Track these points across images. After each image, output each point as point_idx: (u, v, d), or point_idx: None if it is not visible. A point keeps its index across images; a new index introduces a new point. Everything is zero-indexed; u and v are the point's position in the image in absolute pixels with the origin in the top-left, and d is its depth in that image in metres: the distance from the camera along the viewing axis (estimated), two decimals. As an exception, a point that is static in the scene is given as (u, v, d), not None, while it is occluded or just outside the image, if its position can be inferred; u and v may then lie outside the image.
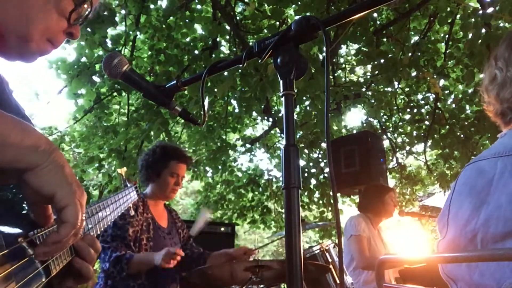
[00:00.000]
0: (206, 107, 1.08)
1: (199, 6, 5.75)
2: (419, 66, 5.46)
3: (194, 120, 1.08)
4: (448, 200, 1.15)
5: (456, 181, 1.15)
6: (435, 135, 6.89)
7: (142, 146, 5.60)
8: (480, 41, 4.53)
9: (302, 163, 7.49)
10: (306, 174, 7.60)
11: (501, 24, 4.89)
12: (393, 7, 5.24)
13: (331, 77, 6.16)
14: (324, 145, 7.22)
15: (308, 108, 5.87)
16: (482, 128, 6.02)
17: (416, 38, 6.09)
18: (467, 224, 1.05)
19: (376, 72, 5.60)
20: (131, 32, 5.49)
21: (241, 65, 0.98)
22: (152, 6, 5.54)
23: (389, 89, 6.64)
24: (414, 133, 7.50)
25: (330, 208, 7.95)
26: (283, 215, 0.83)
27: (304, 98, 5.58)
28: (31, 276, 0.63)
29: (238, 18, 5.89)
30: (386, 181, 4.80)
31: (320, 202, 8.16)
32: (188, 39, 5.89)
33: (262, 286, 2.53)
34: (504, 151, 1.05)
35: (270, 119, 7.28)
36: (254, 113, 7.61)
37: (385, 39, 5.62)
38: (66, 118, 10.55)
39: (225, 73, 4.57)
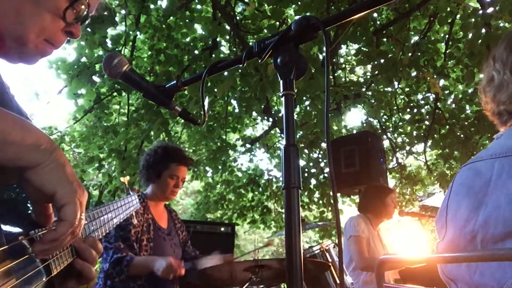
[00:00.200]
0: (206, 107, 1.08)
1: (199, 6, 5.75)
2: (419, 66, 5.46)
3: (194, 120, 1.07)
4: (446, 201, 1.15)
5: (453, 182, 1.15)
6: (435, 135, 6.89)
7: (142, 146, 5.60)
8: (480, 41, 4.53)
9: (302, 163, 7.49)
10: (306, 174, 7.60)
11: (501, 24, 4.89)
12: (393, 7, 5.24)
13: (331, 77, 6.16)
14: (324, 145, 7.22)
15: (308, 108, 5.87)
16: (482, 128, 6.02)
17: (416, 38, 6.09)
18: (466, 225, 1.05)
19: (376, 72, 5.60)
20: (131, 32, 5.49)
21: (241, 65, 0.98)
22: (152, 6, 5.54)
23: (389, 89, 6.64)
24: (414, 133, 7.50)
25: (330, 208, 7.95)
26: (283, 215, 0.83)
27: (304, 98, 5.58)
28: (32, 273, 0.63)
29: (238, 18, 5.89)
30: (386, 181, 4.80)
31: (320, 202, 8.15)
32: (188, 39, 5.89)
33: (262, 286, 2.53)
34: (501, 152, 1.05)
35: (270, 119, 7.28)
36: (254, 113, 7.61)
37: (385, 39, 5.62)
38: (66, 118, 10.56)
39: (225, 73, 4.57)
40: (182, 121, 5.69)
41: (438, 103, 6.69)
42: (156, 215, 2.46)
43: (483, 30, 4.65)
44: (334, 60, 6.30)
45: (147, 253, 2.27)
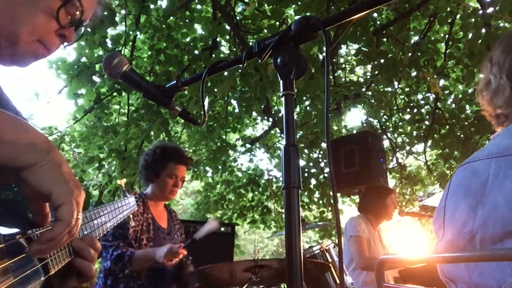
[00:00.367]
0: (206, 107, 1.08)
1: (199, 6, 5.75)
2: (419, 66, 5.46)
3: (194, 120, 1.08)
4: (443, 201, 1.15)
5: (450, 182, 1.15)
6: (435, 135, 6.90)
7: (142, 146, 5.60)
8: (480, 41, 4.54)
9: (302, 163, 7.49)
10: (306, 174, 7.60)
11: (501, 24, 4.89)
12: (393, 7, 5.24)
13: (331, 77, 6.16)
14: (324, 145, 7.22)
15: (308, 108, 5.87)
16: (482, 128, 6.03)
17: (416, 38, 6.09)
18: (465, 225, 1.05)
19: (376, 72, 5.60)
20: (131, 32, 5.49)
21: (241, 65, 0.98)
22: (152, 6, 5.54)
23: (389, 89, 6.64)
24: (414, 133, 7.50)
25: (330, 208, 7.95)
26: (283, 215, 0.83)
27: (304, 98, 5.58)
28: (29, 272, 0.63)
29: (238, 18, 5.89)
30: (386, 181, 4.80)
31: (320, 202, 8.15)
32: (188, 39, 5.89)
33: (262, 286, 2.53)
34: (497, 152, 1.05)
35: (270, 119, 7.28)
36: (254, 113, 7.61)
37: (385, 39, 5.62)
38: (66, 118, 10.56)
39: (225, 73, 4.57)
40: (182, 121, 5.69)
41: (438, 103, 6.69)
42: (156, 215, 2.46)
43: (483, 30, 4.65)
44: (334, 60, 6.30)
45: None
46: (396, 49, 5.33)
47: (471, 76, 4.92)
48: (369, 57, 5.14)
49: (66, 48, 5.49)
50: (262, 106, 6.31)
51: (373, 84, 6.77)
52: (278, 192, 8.32)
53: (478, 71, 4.90)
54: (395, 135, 8.30)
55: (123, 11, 5.45)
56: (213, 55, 5.58)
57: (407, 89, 7.26)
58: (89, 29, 4.84)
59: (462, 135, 6.54)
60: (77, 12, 0.83)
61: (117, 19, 5.19)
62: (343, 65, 7.70)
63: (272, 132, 8.26)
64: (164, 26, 5.52)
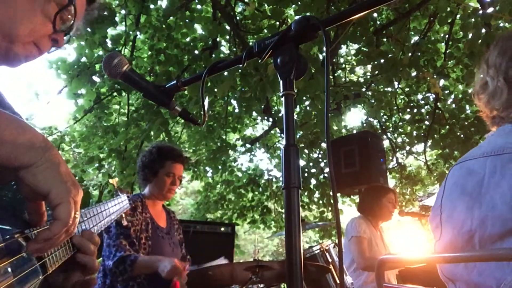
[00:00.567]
0: (206, 107, 1.08)
1: (199, 6, 5.75)
2: (419, 66, 5.45)
3: (194, 120, 1.08)
4: (439, 200, 1.15)
5: (445, 180, 1.16)
6: (435, 135, 6.90)
7: (142, 146, 5.60)
8: (480, 41, 4.54)
9: (302, 163, 7.49)
10: (306, 174, 7.60)
11: (501, 24, 4.89)
12: (393, 7, 5.24)
13: (331, 77, 6.16)
14: (324, 145, 7.22)
15: (308, 108, 5.87)
16: (482, 128, 6.02)
17: (416, 38, 6.09)
18: (463, 225, 1.05)
19: (376, 72, 5.60)
20: (131, 32, 5.49)
21: (241, 65, 0.98)
22: (152, 6, 5.54)
23: (389, 89, 6.64)
24: (414, 133, 7.50)
25: (330, 208, 7.95)
26: (283, 215, 0.83)
27: (304, 98, 5.57)
28: (28, 272, 0.64)
29: (238, 18, 5.89)
30: (386, 181, 4.80)
31: (320, 202, 8.15)
32: (188, 39, 5.89)
33: (262, 286, 2.53)
34: (492, 150, 1.05)
35: (270, 119, 7.28)
36: (254, 113, 7.61)
37: (385, 39, 5.62)
38: (66, 118, 10.54)
39: (225, 73, 4.56)
40: (182, 121, 5.69)
41: (438, 103, 6.69)
42: (155, 215, 2.48)
43: (483, 30, 4.65)
44: (334, 60, 6.30)
45: (146, 251, 2.29)
46: (396, 49, 5.33)
47: (471, 76, 4.92)
48: (369, 57, 5.14)
49: (66, 48, 5.50)
50: (262, 106, 6.31)
51: (373, 84, 6.77)
52: (278, 192, 8.32)
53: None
54: (395, 135, 8.30)
55: (123, 11, 5.45)
56: (213, 55, 5.58)
57: (407, 89, 7.26)
58: (89, 29, 4.84)
59: (462, 135, 6.54)
60: (70, 16, 0.84)
61: (117, 19, 5.19)
62: (343, 65, 7.70)
63: (272, 132, 8.26)
64: (164, 26, 5.52)
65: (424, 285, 2.18)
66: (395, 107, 7.37)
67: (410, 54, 5.28)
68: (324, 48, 0.98)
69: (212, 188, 9.04)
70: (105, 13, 4.75)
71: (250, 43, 4.20)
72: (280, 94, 0.89)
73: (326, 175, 7.49)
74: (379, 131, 7.71)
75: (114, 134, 5.95)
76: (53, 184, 0.63)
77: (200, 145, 7.83)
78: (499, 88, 1.11)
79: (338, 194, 5.99)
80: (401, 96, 7.48)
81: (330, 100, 5.47)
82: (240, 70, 4.78)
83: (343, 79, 7.29)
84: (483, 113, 1.19)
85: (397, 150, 8.34)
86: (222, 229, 4.14)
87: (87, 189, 7.30)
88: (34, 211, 0.68)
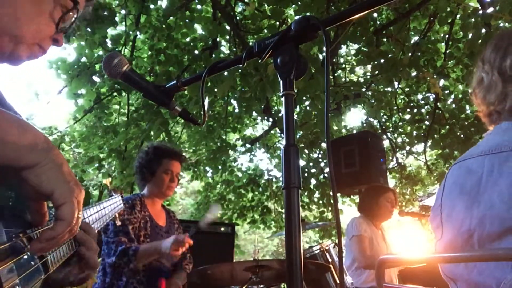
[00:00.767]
0: (206, 107, 1.08)
1: (199, 6, 5.75)
2: (419, 66, 5.46)
3: (194, 120, 1.08)
4: (439, 199, 1.15)
5: (445, 180, 1.16)
6: (435, 135, 6.90)
7: (142, 146, 5.60)
8: (480, 41, 4.54)
9: (302, 163, 7.49)
10: (306, 174, 7.60)
11: (501, 24, 4.89)
12: (393, 7, 5.24)
13: (331, 77, 6.16)
14: (324, 145, 7.22)
15: (308, 108, 5.87)
16: (482, 128, 5.98)
17: (416, 38, 6.09)
18: (462, 225, 1.05)
19: (376, 72, 5.60)
20: (131, 32, 5.49)
21: (241, 65, 0.98)
22: (152, 6, 5.54)
23: (389, 89, 6.64)
24: (414, 133, 7.50)
25: (330, 208, 7.95)
26: (283, 215, 0.83)
27: (304, 98, 5.58)
28: (31, 271, 0.65)
29: (238, 18, 5.89)
30: (386, 181, 4.80)
31: (320, 202, 8.15)
32: (188, 39, 5.89)
33: (262, 286, 2.53)
34: (490, 149, 1.06)
35: (270, 119, 7.28)
36: (254, 113, 7.61)
37: (385, 39, 5.62)
38: (66, 118, 10.55)
39: (225, 73, 4.57)
40: (182, 121, 5.69)
41: (438, 103, 6.69)
42: (154, 213, 2.49)
43: (483, 30, 4.65)
44: (334, 60, 6.30)
45: None
46: (396, 49, 5.33)
47: (471, 76, 4.90)
48: (369, 57, 5.14)
49: (66, 48, 5.50)
50: (262, 106, 6.31)
51: (373, 84, 6.77)
52: (278, 192, 8.32)
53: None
54: (395, 135, 8.31)
55: (123, 11, 5.45)
56: (213, 55, 5.58)
57: (407, 89, 7.26)
58: (89, 29, 4.84)
59: (462, 135, 6.54)
60: (72, 20, 0.85)
61: (117, 19, 5.19)
62: (343, 65, 7.70)
63: (272, 132, 8.26)
64: (164, 26, 5.52)
65: (424, 285, 2.18)
66: (395, 107, 7.37)
67: (410, 54, 5.28)
68: (324, 48, 0.98)
69: (212, 188, 9.04)
70: (105, 13, 4.76)
71: (250, 43, 4.20)
72: (280, 94, 0.88)
73: (326, 175, 7.49)
74: (379, 131, 7.71)
75: (114, 134, 5.95)
76: (57, 184, 0.63)
77: (200, 145, 7.83)
78: (493, 82, 1.13)
79: (338, 194, 5.99)
80: (401, 96, 7.48)
81: (330, 100, 5.47)
82: (240, 70, 4.78)
83: (343, 79, 7.29)
84: (480, 112, 1.20)
85: (397, 150, 8.34)
86: (222, 229, 4.14)
87: (87, 189, 7.30)
88: (37, 211, 0.69)
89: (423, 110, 7.33)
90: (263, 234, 14.12)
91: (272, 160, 8.92)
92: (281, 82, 0.89)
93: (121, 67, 1.01)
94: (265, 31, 5.34)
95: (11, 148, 0.59)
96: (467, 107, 6.85)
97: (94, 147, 6.98)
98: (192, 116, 1.08)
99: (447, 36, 6.12)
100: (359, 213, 3.50)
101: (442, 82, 6.72)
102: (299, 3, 4.65)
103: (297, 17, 1.14)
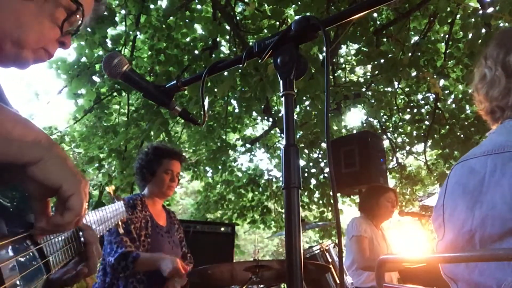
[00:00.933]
0: (206, 107, 1.08)
1: (199, 6, 5.75)
2: (419, 66, 5.45)
3: (194, 120, 1.08)
4: (441, 199, 1.15)
5: (447, 180, 1.15)
6: (435, 135, 6.89)
7: (142, 146, 5.60)
8: (480, 41, 4.53)
9: (302, 163, 7.49)
10: (306, 174, 7.60)
11: (501, 24, 4.89)
12: (393, 7, 5.24)
13: (331, 77, 6.16)
14: (324, 145, 7.22)
15: (308, 108, 5.87)
16: (482, 128, 6.02)
17: (416, 38, 6.09)
18: (464, 225, 1.05)
19: (376, 72, 5.60)
20: (131, 32, 5.49)
21: (241, 65, 0.98)
22: (152, 6, 5.54)
23: (389, 89, 6.64)
24: (414, 133, 7.50)
25: (330, 208, 7.95)
26: (283, 215, 0.83)
27: (304, 98, 5.57)
28: (32, 270, 0.66)
29: (238, 18, 5.89)
30: (386, 181, 4.80)
31: (320, 202, 8.15)
32: (188, 39, 5.89)
33: (262, 286, 2.53)
34: (493, 149, 1.05)
35: (270, 119, 7.28)
36: (254, 113, 7.61)
37: (385, 39, 5.62)
38: (66, 118, 10.55)
39: (225, 73, 4.56)
40: (182, 121, 5.68)
41: (438, 103, 6.69)
42: (154, 213, 2.50)
43: (483, 30, 4.65)
44: (334, 60, 6.29)
45: (145, 249, 2.31)
46: (396, 49, 5.32)
47: (471, 76, 4.90)
48: (369, 57, 5.14)
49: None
50: (262, 106, 6.31)
51: (373, 84, 6.77)
52: (278, 192, 8.32)
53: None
54: (395, 135, 8.30)
55: (123, 11, 5.45)
56: (213, 55, 5.58)
57: (407, 89, 7.26)
58: (89, 29, 4.84)
59: (462, 135, 6.54)
60: (78, 16, 0.85)
61: (117, 19, 5.19)
62: (343, 65, 7.70)
63: (272, 132, 8.26)
64: (164, 26, 5.52)
65: (424, 285, 2.18)
66: (395, 107, 7.37)
67: (410, 54, 5.28)
68: (324, 48, 0.97)
69: (212, 188, 9.04)
70: (105, 13, 4.75)
71: (250, 43, 4.20)
72: (280, 94, 0.88)
73: (326, 175, 7.49)
74: (379, 131, 7.71)
75: (114, 134, 5.96)
76: (64, 176, 0.65)
77: (200, 145, 7.83)
78: (497, 77, 1.12)
79: (338, 194, 5.99)
80: (401, 96, 7.48)
81: (330, 100, 5.47)
82: (240, 70, 4.78)
83: (343, 79, 7.29)
84: (482, 110, 1.19)
85: (397, 150, 8.34)
86: (222, 229, 4.14)
87: (87, 189, 7.28)
88: (41, 212, 0.70)
89: (423, 110, 7.33)
90: (263, 234, 14.12)
91: (272, 160, 8.92)
92: (281, 82, 0.89)
93: (121, 67, 1.01)
94: (265, 31, 5.34)
95: (15, 145, 0.61)
96: (467, 107, 6.85)
97: (94, 147, 6.98)
98: (192, 116, 1.08)
99: (447, 36, 6.11)
100: (360, 213, 3.50)
101: (442, 82, 6.72)
102: (299, 3, 4.65)
103: (297, 17, 1.14)
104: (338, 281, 2.65)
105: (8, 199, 0.68)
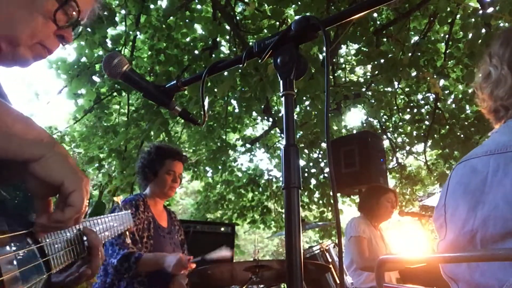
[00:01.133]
0: (206, 107, 1.08)
1: (199, 6, 5.75)
2: (419, 66, 5.45)
3: (194, 120, 1.08)
4: (442, 199, 1.14)
5: (449, 179, 1.14)
6: (435, 135, 6.89)
7: (142, 146, 5.60)
8: (480, 41, 4.53)
9: (302, 163, 7.49)
10: (306, 174, 7.59)
11: (501, 24, 4.89)
12: (393, 7, 5.24)
13: (331, 77, 6.16)
14: (324, 145, 7.22)
15: (308, 108, 5.87)
16: (482, 128, 6.02)
17: (416, 38, 6.09)
18: (465, 225, 1.04)
19: (376, 72, 5.60)
20: (131, 32, 5.49)
21: (241, 65, 0.98)
22: (152, 6, 5.54)
23: (389, 89, 6.64)
24: (414, 133, 7.49)
25: (330, 208, 7.94)
26: (283, 215, 0.83)
27: (304, 98, 5.57)
28: (31, 266, 0.67)
29: (238, 18, 5.89)
30: (386, 181, 4.80)
31: (320, 202, 8.15)
32: (188, 39, 5.89)
33: (262, 286, 2.53)
34: (496, 149, 1.04)
35: (270, 119, 7.28)
36: (254, 113, 7.61)
37: (385, 39, 5.61)
38: (66, 118, 10.55)
39: (225, 73, 4.56)
40: (182, 121, 5.68)
41: (438, 103, 6.69)
42: (156, 214, 2.50)
43: (483, 30, 4.65)
44: (334, 60, 6.29)
45: (147, 250, 2.31)
46: (396, 49, 5.32)
47: (471, 76, 4.91)
48: (369, 57, 5.14)
49: (66, 48, 5.49)
50: (262, 106, 6.31)
51: (373, 84, 6.77)
52: (278, 192, 8.32)
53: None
54: (395, 135, 8.30)
55: (123, 11, 5.45)
56: (213, 55, 5.58)
57: (407, 89, 7.26)
58: (89, 29, 4.84)
59: (462, 135, 6.54)
60: (74, 13, 0.84)
61: (117, 19, 5.19)
62: (343, 65, 7.70)
63: (272, 132, 8.26)
64: (164, 26, 5.51)
65: (424, 285, 2.18)
66: (395, 107, 7.37)
67: (410, 54, 5.28)
68: (324, 48, 0.97)
69: (212, 188, 9.04)
70: (105, 13, 4.75)
71: (250, 43, 4.20)
72: (280, 94, 0.88)
73: (326, 175, 7.49)
74: (379, 131, 7.71)
75: (114, 134, 5.96)
76: (66, 173, 0.66)
77: (200, 145, 7.83)
78: (503, 76, 1.10)
79: (338, 194, 6.00)
80: (401, 96, 7.48)
81: (330, 100, 5.47)
82: (240, 70, 4.78)
83: (343, 79, 7.29)
84: (485, 109, 1.18)
85: (397, 150, 8.34)
86: (222, 229, 4.14)
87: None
88: (43, 210, 0.70)
89: (423, 110, 7.33)
90: (263, 234, 14.12)
91: (272, 160, 8.92)
92: (281, 82, 0.89)
93: (121, 67, 1.01)
94: (265, 31, 5.34)
95: (15, 141, 0.62)
96: (467, 107, 6.85)
97: (94, 147, 6.98)
98: (192, 116, 1.08)
99: (447, 36, 6.11)
100: (359, 213, 3.50)
101: (442, 82, 6.72)
102: (299, 3, 4.65)
103: (297, 17, 1.14)
104: (338, 281, 2.65)
105: (10, 198, 0.68)
